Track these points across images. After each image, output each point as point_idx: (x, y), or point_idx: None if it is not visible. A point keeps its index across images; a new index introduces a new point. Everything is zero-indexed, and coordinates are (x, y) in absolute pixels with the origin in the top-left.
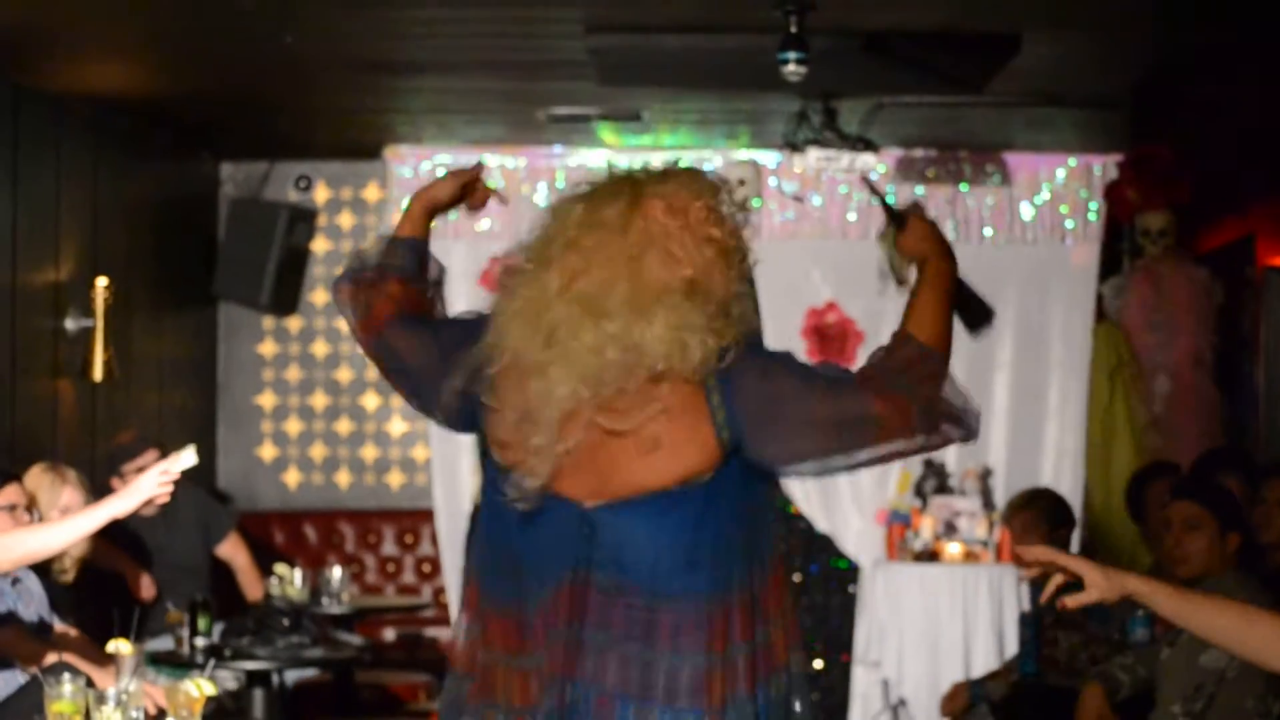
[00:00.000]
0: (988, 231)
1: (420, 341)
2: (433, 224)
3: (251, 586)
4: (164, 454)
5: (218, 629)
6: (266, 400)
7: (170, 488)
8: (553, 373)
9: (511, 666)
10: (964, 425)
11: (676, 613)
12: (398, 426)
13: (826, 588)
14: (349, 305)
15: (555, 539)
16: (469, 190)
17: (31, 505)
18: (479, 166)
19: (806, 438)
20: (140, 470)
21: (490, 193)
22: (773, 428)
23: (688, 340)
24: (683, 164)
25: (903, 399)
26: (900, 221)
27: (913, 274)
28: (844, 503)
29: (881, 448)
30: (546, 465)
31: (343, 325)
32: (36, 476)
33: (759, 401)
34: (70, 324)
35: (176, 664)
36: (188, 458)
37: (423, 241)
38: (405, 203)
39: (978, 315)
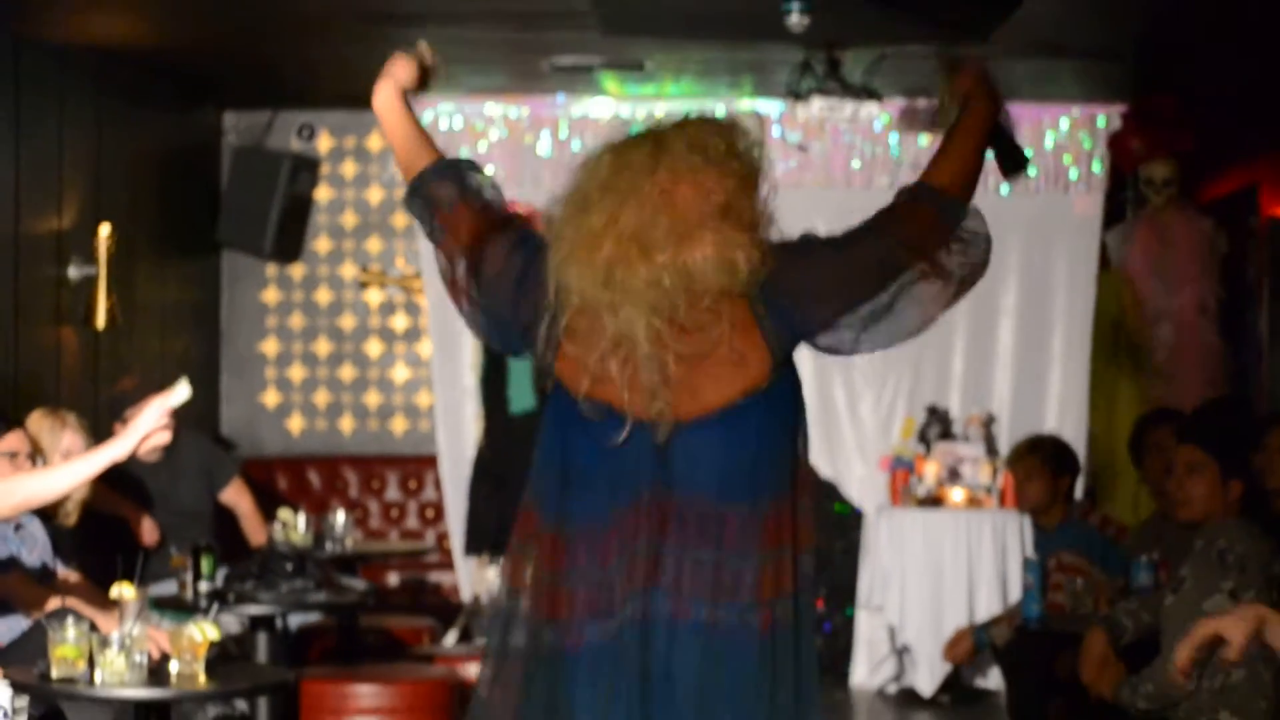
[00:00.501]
0: (991, 180)
1: (498, 260)
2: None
3: (255, 532)
4: None
5: (221, 573)
6: (270, 347)
7: (169, 424)
8: (622, 310)
9: (566, 584)
10: (976, 242)
11: (740, 518)
12: (401, 373)
13: (830, 534)
14: (432, 222)
15: (633, 460)
16: (422, 66)
17: (36, 452)
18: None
19: (851, 284)
20: None
21: (432, 61)
22: (818, 289)
23: (733, 257)
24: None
25: (929, 212)
26: (955, 65)
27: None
28: (847, 449)
29: (916, 269)
30: (623, 392)
31: (346, 272)
32: (37, 421)
33: (798, 277)
34: (73, 272)
35: (180, 608)
36: (181, 392)
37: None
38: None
39: (1013, 160)
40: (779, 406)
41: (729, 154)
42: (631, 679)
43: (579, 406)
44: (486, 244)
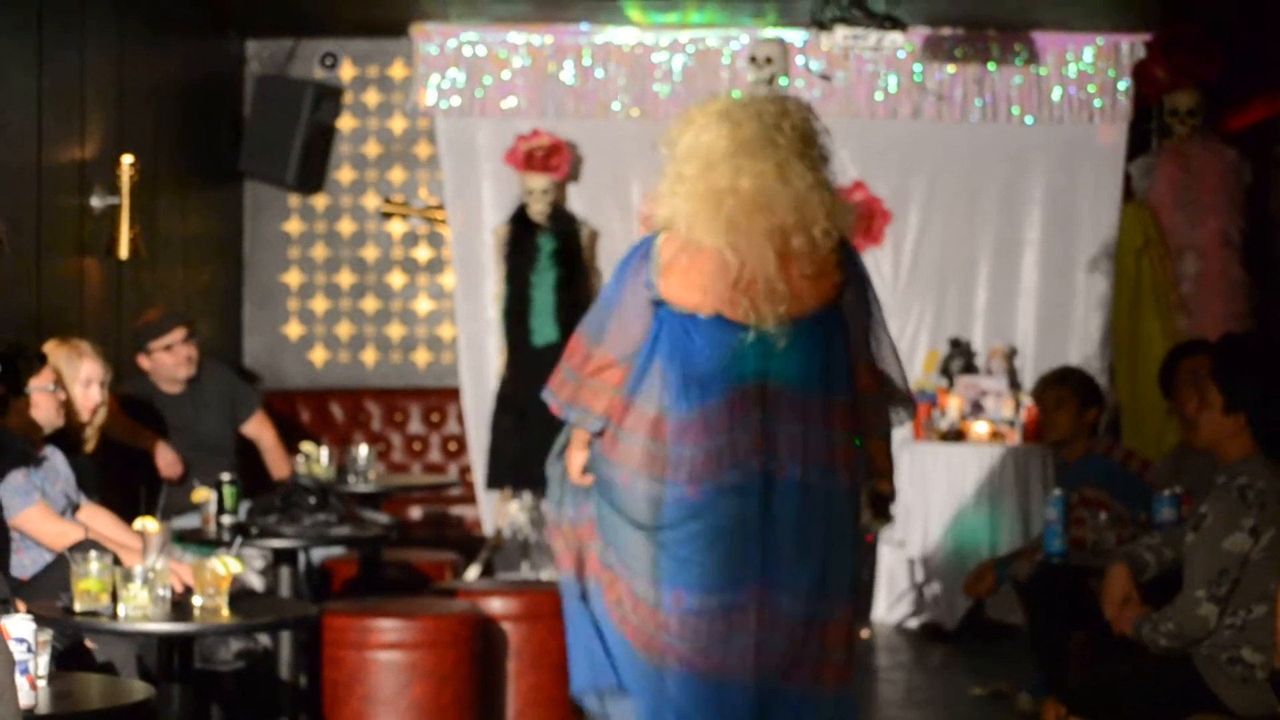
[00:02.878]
0: (1015, 111)
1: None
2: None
3: (278, 465)
4: (190, 330)
5: (244, 507)
6: (292, 278)
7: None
8: (744, 249)
9: (671, 453)
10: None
11: (819, 404)
12: (424, 305)
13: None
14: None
15: (739, 358)
16: None
17: (58, 382)
18: None
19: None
20: (167, 349)
21: None
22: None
23: (826, 220)
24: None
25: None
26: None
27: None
28: None
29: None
30: (730, 305)
31: (369, 203)
32: (52, 351)
33: (852, 301)
34: (96, 202)
35: (203, 542)
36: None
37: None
38: (432, 81)
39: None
40: (841, 327)
41: (817, 134)
42: (752, 518)
43: (691, 320)
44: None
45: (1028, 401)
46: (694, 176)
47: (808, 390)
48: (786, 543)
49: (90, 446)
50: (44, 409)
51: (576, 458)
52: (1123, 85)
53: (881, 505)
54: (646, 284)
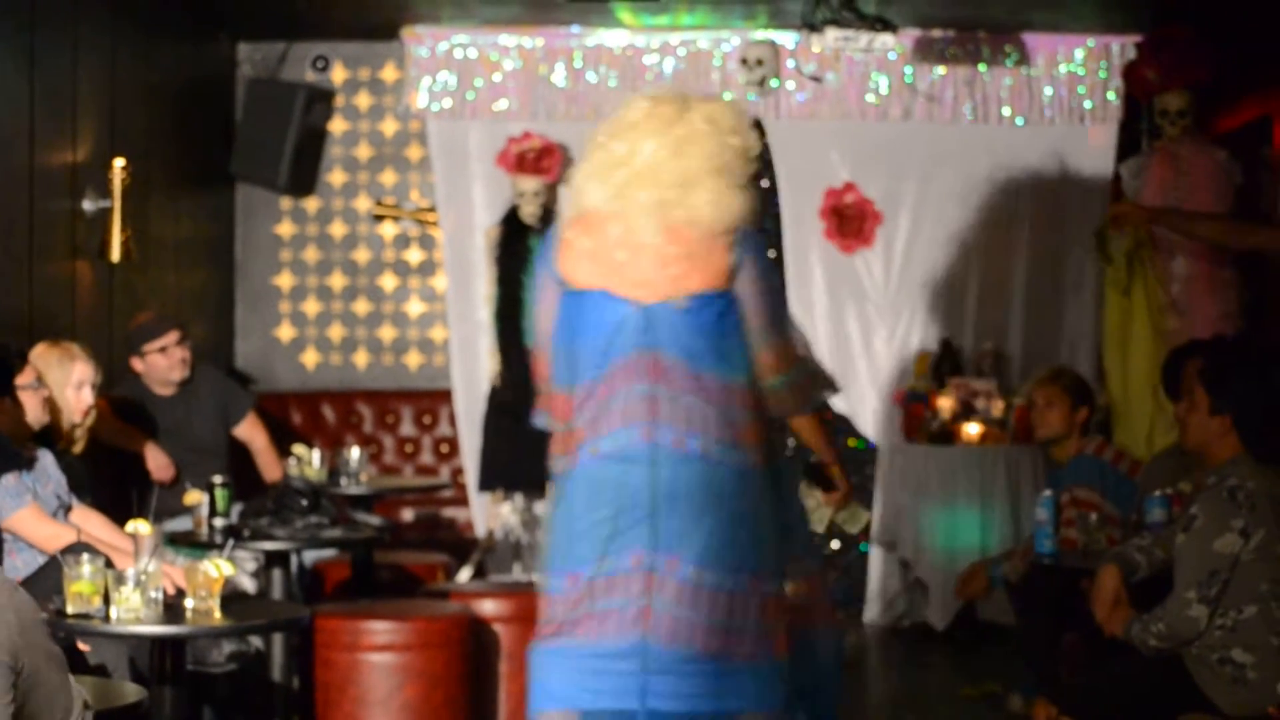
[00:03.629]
0: (1006, 112)
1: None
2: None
3: (270, 467)
4: (184, 332)
5: (236, 509)
6: (284, 281)
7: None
8: (629, 219)
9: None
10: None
11: (714, 381)
12: (415, 307)
13: (844, 469)
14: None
15: (623, 329)
16: None
17: (40, 379)
18: None
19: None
20: (161, 351)
21: None
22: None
23: (720, 204)
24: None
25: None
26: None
27: None
28: (861, 383)
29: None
30: (616, 279)
31: (360, 205)
32: (42, 354)
33: (746, 286)
34: (88, 205)
35: (195, 544)
36: None
37: None
38: (423, 83)
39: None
40: (733, 312)
41: (733, 131)
42: (641, 490)
43: (580, 296)
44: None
45: (1018, 402)
46: (597, 147)
47: (700, 367)
48: (677, 514)
49: (79, 447)
50: (30, 407)
51: None
52: (1113, 86)
53: (820, 477)
54: (548, 265)
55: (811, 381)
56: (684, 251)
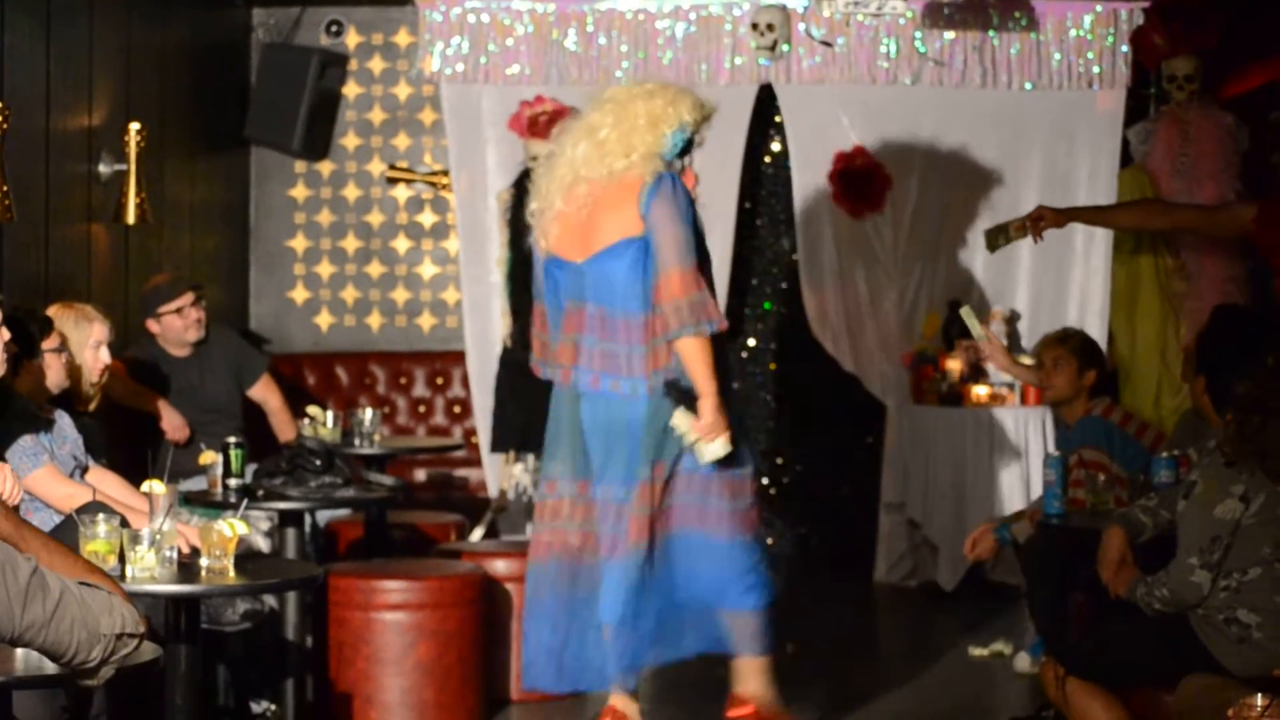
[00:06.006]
0: (1015, 77)
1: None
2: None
3: (284, 428)
4: (199, 294)
5: (250, 470)
6: (298, 243)
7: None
8: (559, 194)
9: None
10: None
11: (629, 321)
12: (429, 269)
13: (853, 430)
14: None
15: (562, 283)
16: None
17: (62, 345)
18: None
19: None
20: (176, 313)
21: None
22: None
23: (638, 164)
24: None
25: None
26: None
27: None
28: (870, 345)
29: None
30: (560, 244)
31: (374, 169)
32: (60, 315)
33: (652, 214)
34: (103, 168)
35: (209, 504)
36: None
37: None
38: (436, 48)
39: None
40: (646, 255)
41: (661, 116)
42: (567, 421)
43: (544, 260)
44: None
45: (1032, 354)
46: (577, 121)
47: (612, 310)
48: (597, 447)
49: (93, 406)
50: (54, 370)
51: None
52: (1121, 52)
53: (683, 398)
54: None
55: (701, 309)
56: (600, 211)
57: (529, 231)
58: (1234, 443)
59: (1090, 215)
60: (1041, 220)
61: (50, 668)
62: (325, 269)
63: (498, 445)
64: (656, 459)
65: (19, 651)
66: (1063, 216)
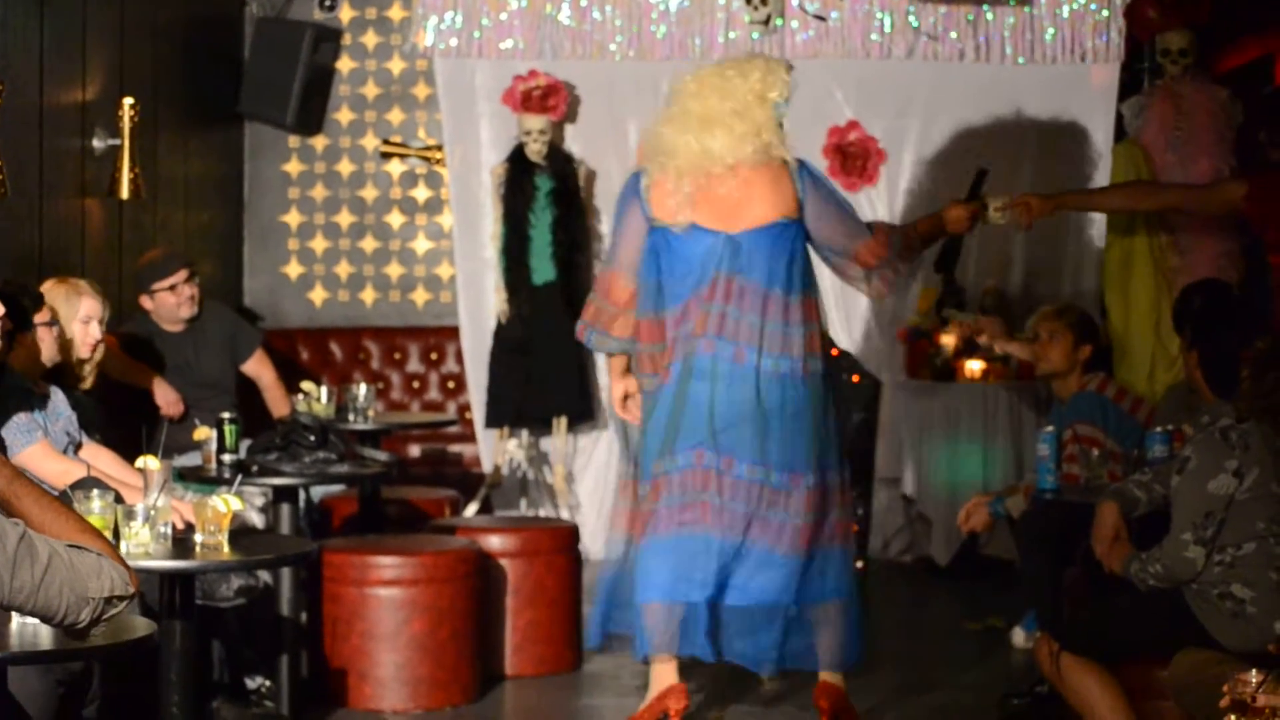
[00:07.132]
0: (1008, 51)
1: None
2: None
3: (278, 403)
4: (193, 270)
5: (244, 445)
6: (292, 218)
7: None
8: (710, 162)
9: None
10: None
11: (779, 300)
12: (423, 244)
13: (848, 405)
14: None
15: (708, 256)
16: None
17: (53, 319)
18: None
19: (832, 231)
20: (170, 289)
21: None
22: (818, 219)
23: (774, 143)
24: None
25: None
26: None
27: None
28: (865, 320)
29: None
30: (704, 213)
31: (367, 143)
32: (50, 290)
33: (815, 198)
34: (97, 143)
35: (204, 480)
36: None
37: None
38: (430, 22)
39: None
40: (802, 238)
41: (773, 88)
42: (704, 396)
43: (669, 231)
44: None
45: (1024, 335)
46: (678, 104)
47: (769, 288)
48: (742, 419)
49: (88, 384)
50: (46, 345)
51: (615, 388)
52: (1115, 26)
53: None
54: (640, 207)
55: (896, 259)
56: (758, 189)
57: (529, 204)
58: (1248, 399)
59: (1078, 200)
60: (1029, 208)
61: (45, 644)
62: (319, 244)
63: (492, 421)
64: (822, 455)
65: (14, 627)
66: (1050, 203)
